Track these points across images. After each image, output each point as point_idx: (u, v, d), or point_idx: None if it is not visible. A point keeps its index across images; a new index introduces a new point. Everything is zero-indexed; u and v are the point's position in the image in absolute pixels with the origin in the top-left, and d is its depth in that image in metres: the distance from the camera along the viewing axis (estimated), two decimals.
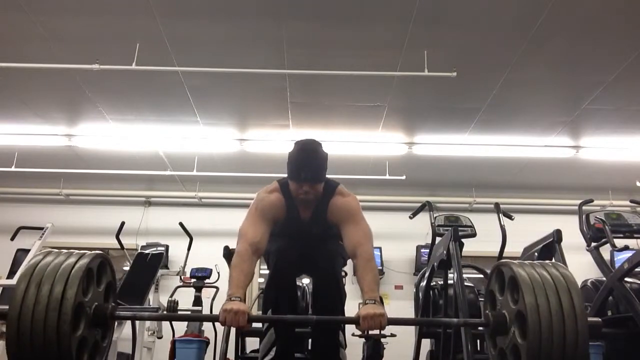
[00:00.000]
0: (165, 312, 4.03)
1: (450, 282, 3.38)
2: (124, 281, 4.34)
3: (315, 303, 2.64)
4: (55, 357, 1.58)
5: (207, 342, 4.65)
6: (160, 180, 7.04)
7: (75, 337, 1.66)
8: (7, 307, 1.61)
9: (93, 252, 1.82)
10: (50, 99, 5.24)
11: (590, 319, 1.68)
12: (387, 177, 6.41)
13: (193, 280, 5.19)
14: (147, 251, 5.56)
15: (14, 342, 1.58)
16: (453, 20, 3.97)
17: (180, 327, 4.89)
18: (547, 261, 1.86)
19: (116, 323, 3.81)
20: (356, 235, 2.34)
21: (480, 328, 2.51)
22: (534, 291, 1.66)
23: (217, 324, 3.63)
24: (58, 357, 1.59)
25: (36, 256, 1.73)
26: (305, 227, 2.52)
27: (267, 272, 2.64)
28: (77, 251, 1.78)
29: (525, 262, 1.83)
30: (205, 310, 4.91)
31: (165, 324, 4.98)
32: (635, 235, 3.78)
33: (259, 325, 2.94)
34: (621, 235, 3.73)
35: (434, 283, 3.81)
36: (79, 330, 1.69)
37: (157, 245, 6.76)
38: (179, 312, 4.54)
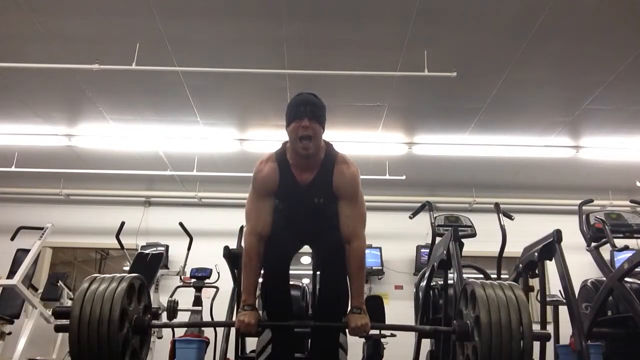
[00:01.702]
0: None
1: (450, 282, 3.38)
2: None
3: (318, 306, 2.62)
4: (106, 356, 2.02)
5: (207, 342, 4.64)
6: (160, 180, 7.04)
7: (121, 340, 2.08)
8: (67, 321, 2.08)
9: (131, 275, 2.23)
10: (50, 99, 5.24)
11: (537, 331, 2.06)
12: (387, 177, 6.41)
13: (193, 280, 5.19)
14: (147, 251, 5.57)
15: (76, 347, 2.02)
16: (453, 20, 3.97)
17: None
18: (507, 282, 2.19)
19: None
20: (353, 219, 2.37)
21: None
22: (488, 306, 2.03)
23: None
24: (109, 356, 2.02)
25: (85, 282, 2.17)
26: (305, 195, 2.41)
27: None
28: (118, 275, 2.21)
29: (488, 282, 2.17)
30: (205, 310, 4.91)
31: None
32: (635, 235, 3.78)
33: None
34: (621, 235, 3.73)
35: (434, 283, 3.82)
36: (124, 336, 2.11)
37: (157, 245, 6.76)
38: (179, 311, 4.57)
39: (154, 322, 2.33)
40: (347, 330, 2.37)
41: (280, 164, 2.42)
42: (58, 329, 2.23)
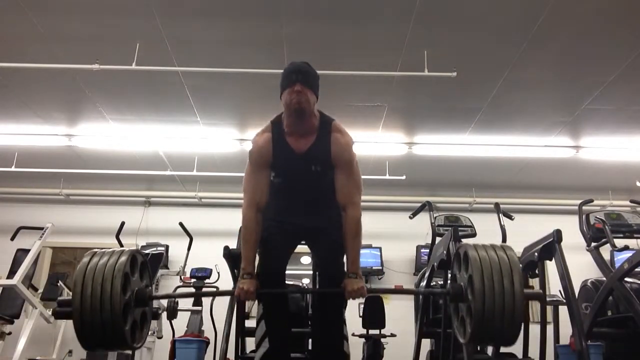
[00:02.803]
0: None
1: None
2: None
3: (315, 312, 2.64)
4: (110, 329, 2.04)
5: (207, 342, 4.64)
6: (160, 180, 7.04)
7: (122, 312, 2.08)
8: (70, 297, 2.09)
9: (130, 249, 2.23)
10: (50, 99, 5.24)
11: (527, 290, 2.14)
12: (387, 177, 6.41)
13: (193, 280, 5.18)
14: (147, 251, 5.57)
15: (79, 323, 2.03)
16: (453, 20, 3.97)
17: (180, 327, 4.89)
18: (499, 244, 2.22)
19: None
20: (349, 187, 2.40)
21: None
22: (480, 266, 2.08)
23: (217, 325, 3.68)
24: (112, 329, 2.04)
25: (85, 256, 2.16)
26: (303, 163, 2.41)
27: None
28: (117, 249, 2.21)
29: (481, 244, 2.20)
30: (206, 310, 4.91)
31: (165, 324, 4.97)
32: (635, 235, 3.78)
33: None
34: (621, 235, 3.73)
35: (434, 283, 3.81)
36: (126, 308, 2.12)
37: (157, 245, 6.76)
38: (179, 311, 4.56)
39: (155, 294, 2.35)
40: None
41: (276, 133, 2.45)
42: (61, 303, 2.22)
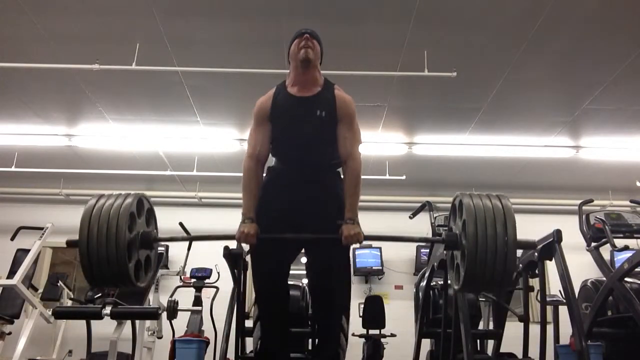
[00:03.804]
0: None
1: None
2: None
3: (314, 312, 2.64)
4: (115, 269, 2.08)
5: (207, 342, 4.64)
6: (160, 180, 7.04)
7: (127, 252, 2.12)
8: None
9: (138, 192, 2.29)
10: (50, 99, 5.24)
11: (521, 238, 2.11)
12: (387, 177, 6.42)
13: (193, 280, 5.18)
14: None
15: (86, 258, 2.07)
16: (453, 20, 3.97)
17: (180, 327, 4.89)
18: (495, 193, 2.22)
19: (116, 323, 3.82)
20: (351, 140, 2.46)
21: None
22: (475, 213, 2.09)
23: (217, 325, 3.66)
24: (118, 270, 2.09)
25: (92, 199, 2.22)
26: (307, 107, 2.45)
27: None
28: (124, 192, 2.26)
29: (476, 193, 2.21)
30: (206, 311, 4.91)
31: (165, 324, 4.97)
32: (635, 235, 3.78)
33: None
34: (621, 235, 3.73)
35: (434, 283, 3.82)
36: (131, 248, 2.16)
37: None
38: (179, 311, 4.57)
39: (161, 236, 2.39)
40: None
41: (278, 88, 2.55)
42: (70, 244, 2.21)
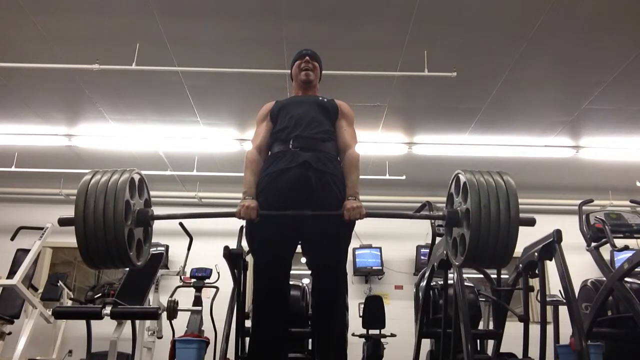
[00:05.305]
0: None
1: (450, 282, 3.38)
2: (124, 281, 4.34)
3: (314, 314, 2.63)
4: (113, 244, 2.05)
5: (207, 342, 4.64)
6: (160, 180, 7.04)
7: (126, 229, 2.10)
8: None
9: (132, 168, 2.27)
10: (50, 99, 5.24)
11: (522, 215, 2.10)
12: (387, 177, 6.41)
13: (193, 280, 5.18)
14: None
15: (82, 238, 2.05)
16: (453, 20, 3.97)
17: (180, 327, 4.89)
18: (497, 171, 2.23)
19: (116, 323, 3.82)
20: (349, 134, 2.64)
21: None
22: (478, 192, 2.08)
23: (217, 325, 3.66)
24: (115, 244, 2.06)
25: (87, 175, 2.21)
26: (308, 101, 2.68)
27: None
28: (119, 168, 2.25)
29: (478, 170, 2.22)
30: (206, 311, 4.91)
31: (165, 324, 4.97)
32: (635, 235, 3.78)
33: None
34: (621, 235, 3.73)
35: (434, 283, 3.82)
36: (128, 225, 2.15)
37: (157, 245, 6.72)
38: (179, 311, 4.57)
39: (157, 214, 2.38)
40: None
41: (280, 99, 2.78)
42: (62, 222, 2.17)
